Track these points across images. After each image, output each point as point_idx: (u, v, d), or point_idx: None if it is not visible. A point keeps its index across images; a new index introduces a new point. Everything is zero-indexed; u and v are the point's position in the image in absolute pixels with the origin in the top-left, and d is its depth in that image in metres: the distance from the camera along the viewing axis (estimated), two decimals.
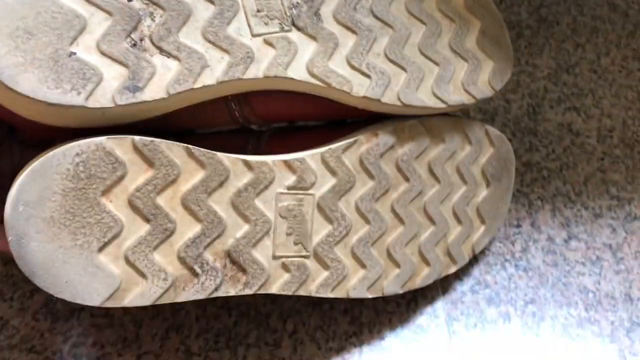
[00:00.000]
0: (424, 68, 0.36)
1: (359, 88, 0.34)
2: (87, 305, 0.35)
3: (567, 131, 0.50)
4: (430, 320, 0.40)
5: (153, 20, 0.30)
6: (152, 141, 0.30)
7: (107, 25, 0.29)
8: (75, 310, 0.40)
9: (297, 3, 0.33)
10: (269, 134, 0.39)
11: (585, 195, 0.46)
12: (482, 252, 0.43)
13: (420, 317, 0.40)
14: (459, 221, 0.39)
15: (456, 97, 0.37)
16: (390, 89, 0.35)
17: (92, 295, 0.29)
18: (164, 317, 0.39)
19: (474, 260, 0.42)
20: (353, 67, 0.34)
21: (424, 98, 0.36)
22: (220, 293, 0.32)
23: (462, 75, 0.37)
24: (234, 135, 0.38)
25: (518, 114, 0.51)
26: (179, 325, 0.39)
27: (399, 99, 0.35)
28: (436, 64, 0.37)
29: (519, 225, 0.44)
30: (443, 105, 0.36)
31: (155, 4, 0.30)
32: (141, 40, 0.30)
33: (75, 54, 0.28)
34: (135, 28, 0.30)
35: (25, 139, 0.37)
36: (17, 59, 0.27)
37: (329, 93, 0.34)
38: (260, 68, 0.32)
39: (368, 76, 0.34)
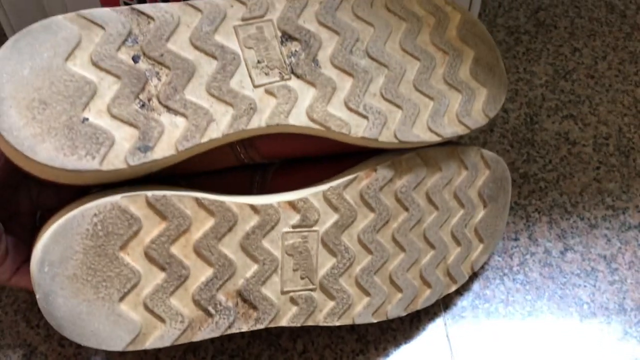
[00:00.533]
0: (419, 104, 0.38)
1: (357, 129, 0.36)
2: None
3: (563, 140, 0.51)
4: (433, 335, 0.42)
5: (159, 79, 0.32)
6: (164, 196, 0.32)
7: (116, 89, 0.31)
8: None
9: (296, 51, 0.35)
10: (274, 169, 0.41)
11: (581, 206, 0.48)
12: (482, 266, 0.45)
13: (423, 332, 0.42)
14: (458, 243, 0.41)
15: (451, 129, 0.39)
16: (387, 127, 0.36)
17: (116, 341, 0.31)
18: None
19: (474, 275, 0.44)
20: (351, 110, 0.36)
21: (420, 134, 0.37)
22: (234, 330, 0.34)
23: (456, 107, 0.39)
24: (241, 172, 0.40)
25: (516, 124, 0.52)
26: (196, 347, 0.42)
27: (395, 136, 0.37)
28: (431, 98, 0.38)
29: (516, 239, 0.46)
30: (438, 139, 0.38)
31: (160, 63, 0.32)
32: (149, 100, 0.32)
33: (87, 119, 0.30)
34: (142, 89, 0.32)
35: (41, 180, 0.39)
36: (34, 129, 0.29)
37: (329, 135, 0.36)
38: (263, 118, 0.34)
39: (365, 117, 0.36)
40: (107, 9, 0.32)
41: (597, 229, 0.46)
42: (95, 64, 0.31)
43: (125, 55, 0.32)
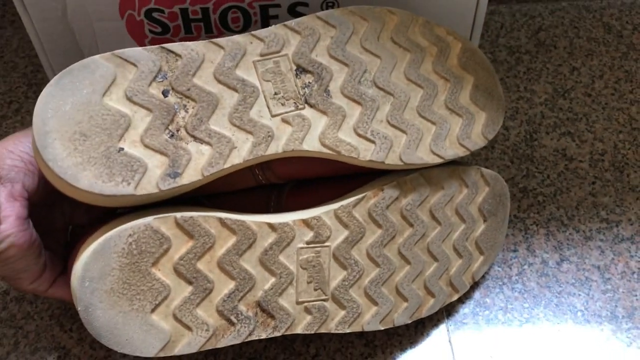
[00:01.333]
0: (422, 128, 0.41)
1: (365, 153, 0.39)
2: None
3: (561, 156, 0.54)
4: (436, 341, 0.45)
5: (187, 111, 0.35)
6: (191, 217, 0.35)
7: (148, 121, 0.35)
8: None
9: (309, 83, 0.38)
10: (289, 189, 0.44)
11: (577, 219, 0.51)
12: (483, 276, 0.48)
13: (427, 338, 0.46)
14: (460, 255, 0.44)
15: (452, 151, 0.42)
16: (393, 151, 0.40)
17: (148, 348, 0.34)
18: None
19: (475, 284, 0.48)
20: (359, 135, 0.39)
21: (423, 156, 0.41)
22: (254, 337, 0.37)
23: (457, 131, 0.42)
24: (259, 192, 0.44)
25: (516, 141, 0.55)
26: (217, 351, 0.45)
27: (400, 159, 0.40)
28: (433, 123, 0.41)
29: (515, 250, 0.49)
30: (440, 160, 0.41)
31: (187, 97, 0.36)
32: (177, 130, 0.35)
33: (123, 149, 0.34)
34: (172, 120, 0.35)
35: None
36: (76, 159, 0.33)
37: (339, 158, 0.39)
38: (280, 144, 0.37)
39: (373, 142, 0.39)
40: (139, 49, 0.35)
41: (591, 241, 0.49)
42: (129, 99, 0.34)
43: (155, 90, 0.35)
